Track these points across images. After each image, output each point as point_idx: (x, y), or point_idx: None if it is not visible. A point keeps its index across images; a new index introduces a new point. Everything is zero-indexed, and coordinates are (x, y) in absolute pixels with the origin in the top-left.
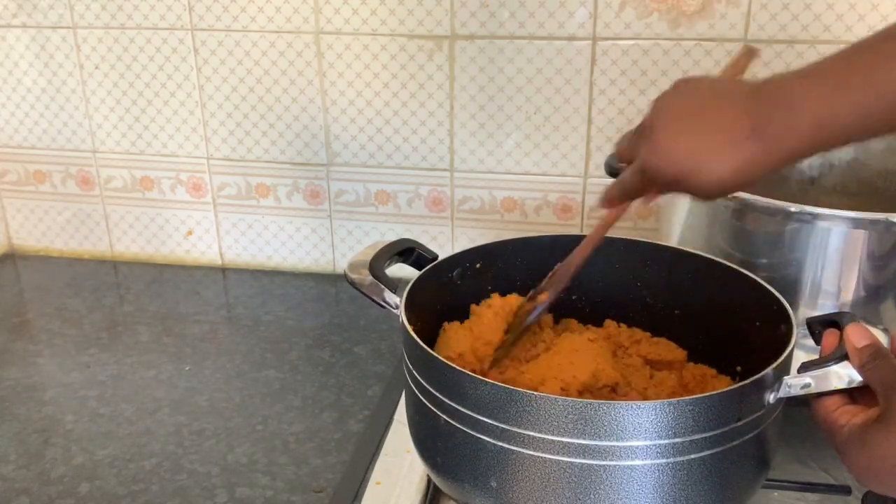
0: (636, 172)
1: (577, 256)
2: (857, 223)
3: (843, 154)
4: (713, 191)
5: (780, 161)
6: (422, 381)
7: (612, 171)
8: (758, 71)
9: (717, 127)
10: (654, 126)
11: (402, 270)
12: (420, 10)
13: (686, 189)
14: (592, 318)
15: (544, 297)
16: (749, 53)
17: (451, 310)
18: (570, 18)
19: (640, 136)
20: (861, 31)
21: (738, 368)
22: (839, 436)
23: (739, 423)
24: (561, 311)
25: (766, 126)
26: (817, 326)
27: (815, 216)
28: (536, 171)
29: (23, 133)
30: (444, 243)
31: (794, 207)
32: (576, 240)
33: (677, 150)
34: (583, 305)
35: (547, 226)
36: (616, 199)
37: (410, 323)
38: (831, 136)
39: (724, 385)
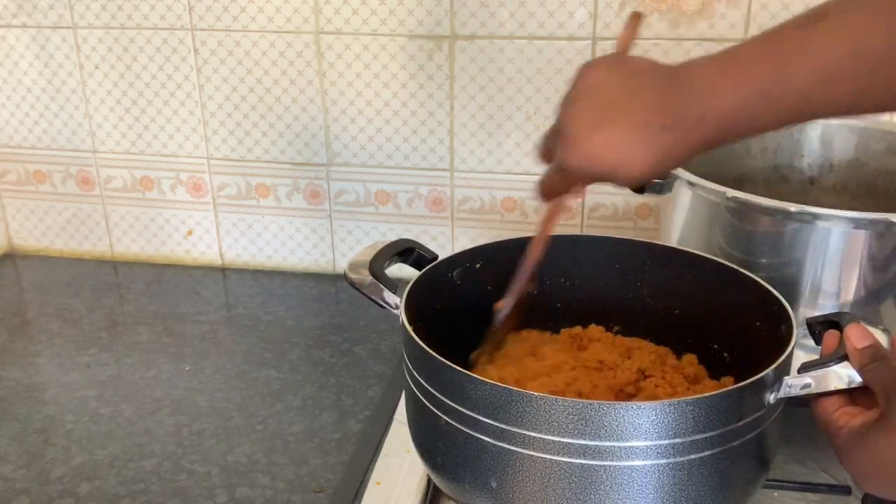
0: (557, 171)
1: (529, 258)
2: (857, 223)
3: (843, 154)
4: (633, 182)
5: (696, 149)
6: (422, 381)
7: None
8: None
9: (632, 122)
10: (568, 124)
11: (402, 270)
12: (420, 10)
13: (607, 181)
14: (593, 318)
15: (500, 305)
16: (636, 17)
17: (452, 310)
18: (570, 18)
19: (555, 135)
20: None
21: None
22: (838, 437)
23: (740, 424)
24: (562, 311)
25: (679, 119)
26: (817, 327)
27: (815, 216)
28: (536, 171)
29: (23, 133)
30: (444, 243)
31: (794, 207)
32: (577, 239)
33: (593, 148)
34: (583, 305)
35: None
36: (546, 197)
37: (410, 323)
38: (744, 124)
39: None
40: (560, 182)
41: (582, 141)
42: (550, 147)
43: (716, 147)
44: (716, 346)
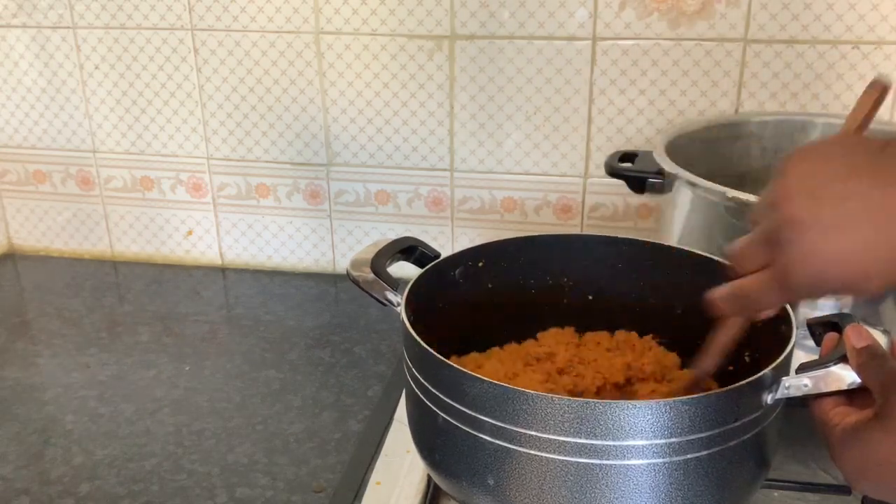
0: (768, 281)
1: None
2: None
3: None
4: (875, 292)
5: None
6: (420, 379)
7: (613, 171)
8: (757, 71)
9: (876, 222)
10: (798, 220)
11: (403, 269)
12: (420, 10)
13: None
14: (596, 318)
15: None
16: (879, 89)
17: (453, 308)
18: (570, 18)
19: (773, 216)
20: (861, 31)
21: (730, 368)
22: (833, 435)
23: (737, 424)
24: (563, 310)
25: None
26: (818, 328)
27: None
28: (536, 171)
29: (23, 133)
30: (444, 243)
31: None
32: (580, 239)
33: (831, 261)
34: (587, 305)
35: (547, 226)
36: (730, 311)
37: (411, 321)
38: None
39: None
40: (762, 298)
41: (818, 246)
42: (764, 241)
43: None
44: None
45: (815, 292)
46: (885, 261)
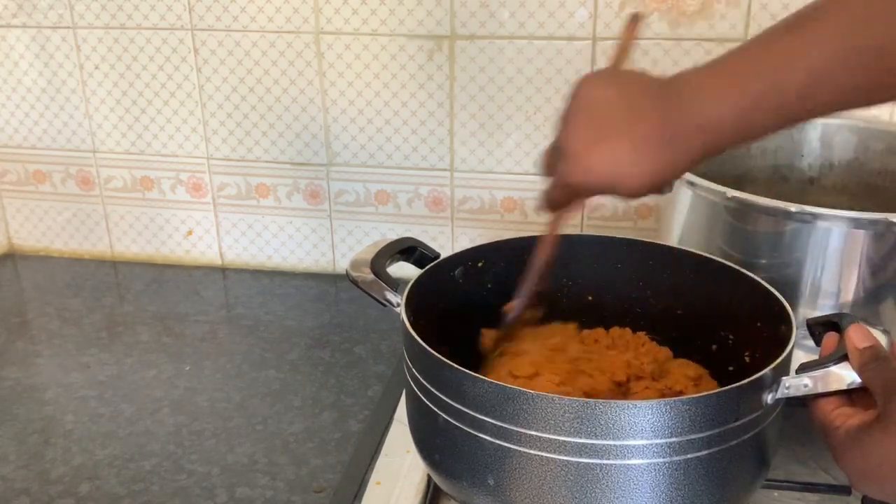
0: (559, 185)
1: (538, 259)
2: (857, 223)
3: (843, 154)
4: (635, 195)
5: (697, 158)
6: (420, 379)
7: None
8: None
9: (631, 136)
10: (567, 141)
11: (403, 270)
12: (420, 10)
13: (609, 194)
14: (596, 317)
15: (510, 307)
16: (636, 19)
17: (453, 308)
18: (570, 18)
19: (556, 151)
20: None
21: (731, 368)
22: (835, 437)
23: (737, 424)
24: (565, 310)
25: (677, 130)
26: (818, 328)
27: (815, 216)
28: (536, 171)
29: (23, 133)
30: (444, 243)
31: (794, 207)
32: (580, 239)
33: (593, 163)
34: (588, 305)
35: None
36: (550, 209)
37: (411, 321)
38: (742, 132)
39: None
40: (563, 195)
41: (582, 157)
42: (552, 162)
43: (717, 154)
44: (716, 347)
45: (587, 190)
46: (638, 167)
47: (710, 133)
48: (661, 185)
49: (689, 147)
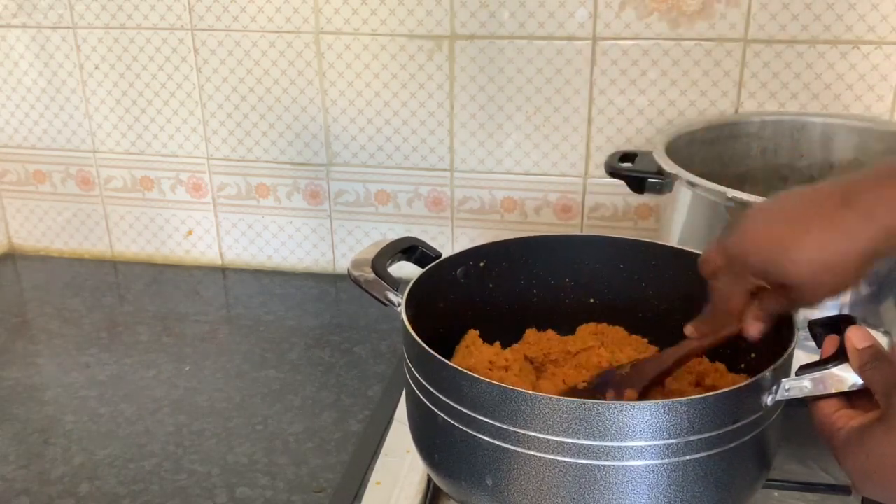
0: (739, 286)
1: (664, 365)
2: None
3: (843, 154)
4: (804, 277)
5: (864, 259)
6: (420, 378)
7: (613, 171)
8: (758, 71)
9: (805, 219)
10: (744, 220)
11: (403, 270)
12: (420, 10)
13: (776, 276)
14: (596, 318)
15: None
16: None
17: (453, 308)
18: (570, 18)
19: (731, 256)
20: (861, 31)
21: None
22: (837, 438)
23: (737, 425)
24: (565, 310)
25: (852, 225)
26: (818, 329)
27: None
28: (536, 171)
29: (23, 133)
30: (444, 243)
31: None
32: (581, 239)
33: (763, 236)
34: (587, 305)
35: (547, 226)
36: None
37: (411, 320)
38: None
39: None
40: (725, 289)
41: (754, 229)
42: (724, 266)
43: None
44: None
45: (749, 264)
46: (800, 248)
47: (879, 239)
48: (830, 277)
49: (858, 246)
